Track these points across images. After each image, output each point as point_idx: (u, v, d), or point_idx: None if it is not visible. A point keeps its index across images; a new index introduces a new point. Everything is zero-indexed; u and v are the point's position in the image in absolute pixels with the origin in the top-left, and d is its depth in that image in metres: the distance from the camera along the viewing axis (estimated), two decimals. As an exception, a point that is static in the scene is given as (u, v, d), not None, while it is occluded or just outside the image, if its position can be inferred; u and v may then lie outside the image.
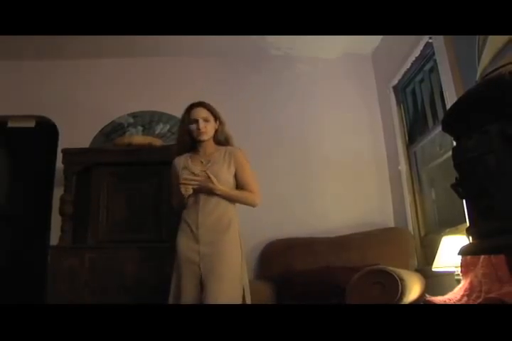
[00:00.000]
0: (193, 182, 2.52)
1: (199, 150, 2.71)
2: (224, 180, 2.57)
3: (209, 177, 2.51)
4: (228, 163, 2.62)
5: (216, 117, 2.71)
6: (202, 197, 2.55)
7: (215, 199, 2.54)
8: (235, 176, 2.63)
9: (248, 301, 2.43)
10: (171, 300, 2.45)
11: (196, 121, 2.64)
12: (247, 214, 3.73)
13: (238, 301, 2.36)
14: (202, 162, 2.66)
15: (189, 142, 2.71)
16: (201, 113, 2.66)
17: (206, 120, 2.65)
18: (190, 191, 2.51)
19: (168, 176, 3.57)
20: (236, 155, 2.65)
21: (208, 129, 2.65)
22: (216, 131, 2.71)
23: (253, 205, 2.63)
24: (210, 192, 2.53)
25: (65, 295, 3.06)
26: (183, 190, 2.50)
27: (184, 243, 2.53)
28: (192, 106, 2.71)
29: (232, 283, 2.39)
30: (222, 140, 2.73)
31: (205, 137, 2.66)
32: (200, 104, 2.70)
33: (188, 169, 2.63)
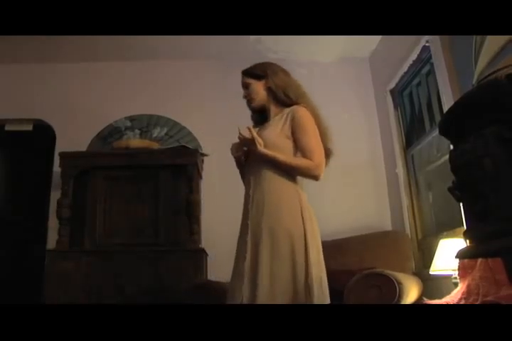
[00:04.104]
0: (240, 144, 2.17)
1: (268, 119, 2.30)
2: (272, 144, 2.10)
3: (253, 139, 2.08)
4: (283, 125, 2.15)
5: (260, 75, 2.28)
6: (253, 167, 2.18)
7: (265, 171, 2.12)
8: (295, 141, 2.14)
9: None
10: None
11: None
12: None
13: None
14: (260, 129, 2.26)
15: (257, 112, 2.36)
16: (242, 80, 2.33)
17: (246, 86, 2.30)
18: (239, 153, 2.19)
19: (165, 179, 3.59)
20: (295, 114, 2.15)
21: (252, 94, 2.28)
22: (269, 89, 2.26)
23: (312, 177, 2.10)
24: (258, 158, 2.13)
25: (62, 299, 3.05)
26: (232, 150, 2.20)
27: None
28: None
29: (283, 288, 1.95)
30: (283, 99, 2.24)
31: (252, 104, 2.30)
32: (242, 72, 2.35)
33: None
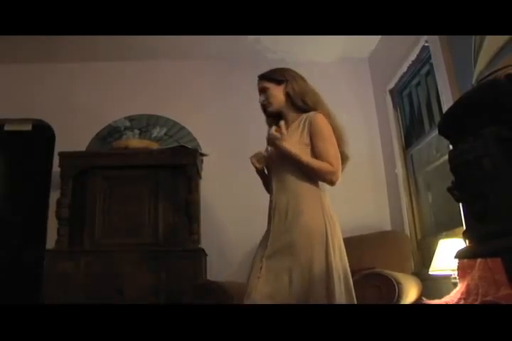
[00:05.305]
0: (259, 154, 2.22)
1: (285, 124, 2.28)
2: None
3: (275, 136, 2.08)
4: (301, 132, 2.14)
5: (280, 80, 2.26)
6: (275, 174, 2.18)
7: (287, 176, 2.12)
8: (312, 148, 2.12)
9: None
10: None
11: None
12: (244, 218, 3.74)
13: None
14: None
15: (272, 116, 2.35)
16: (259, 85, 2.31)
17: (263, 90, 2.28)
18: (261, 164, 2.24)
19: (165, 179, 3.59)
20: (312, 121, 2.13)
21: (270, 99, 2.26)
22: (287, 94, 2.25)
23: (328, 181, 2.10)
24: (280, 164, 2.14)
25: (61, 299, 3.05)
26: (253, 161, 2.23)
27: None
28: None
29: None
30: (300, 105, 2.23)
31: (269, 109, 2.28)
32: (259, 77, 2.34)
33: None
